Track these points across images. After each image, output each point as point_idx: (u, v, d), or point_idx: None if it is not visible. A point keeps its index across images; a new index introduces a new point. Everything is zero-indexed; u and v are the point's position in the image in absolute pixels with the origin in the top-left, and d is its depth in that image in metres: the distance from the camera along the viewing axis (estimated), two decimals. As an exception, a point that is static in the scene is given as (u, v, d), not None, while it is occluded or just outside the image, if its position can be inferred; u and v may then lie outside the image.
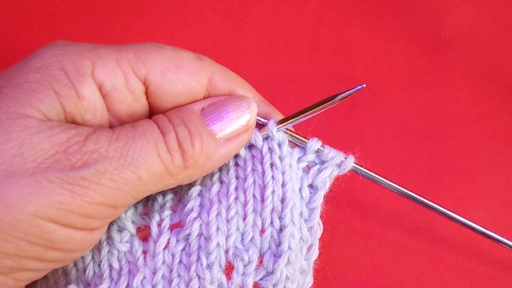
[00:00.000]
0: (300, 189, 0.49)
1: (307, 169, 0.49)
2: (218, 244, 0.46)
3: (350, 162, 0.49)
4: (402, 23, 0.72)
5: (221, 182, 0.49)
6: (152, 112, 0.47)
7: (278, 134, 0.48)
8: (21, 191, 0.38)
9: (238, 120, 0.46)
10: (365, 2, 0.72)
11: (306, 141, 0.49)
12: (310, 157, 0.49)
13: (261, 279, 0.47)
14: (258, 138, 0.48)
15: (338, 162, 0.49)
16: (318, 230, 0.49)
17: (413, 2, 0.73)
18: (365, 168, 0.51)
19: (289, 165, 0.48)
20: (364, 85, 0.47)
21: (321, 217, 0.49)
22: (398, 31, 0.71)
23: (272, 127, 0.48)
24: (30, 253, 0.39)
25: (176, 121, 0.44)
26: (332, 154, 0.49)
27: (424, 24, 0.72)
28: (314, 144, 0.49)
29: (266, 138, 0.48)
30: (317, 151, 0.49)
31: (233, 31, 0.71)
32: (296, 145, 0.49)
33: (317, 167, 0.49)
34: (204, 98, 0.48)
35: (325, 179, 0.49)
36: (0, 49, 0.70)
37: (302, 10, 0.73)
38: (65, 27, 0.71)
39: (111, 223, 0.47)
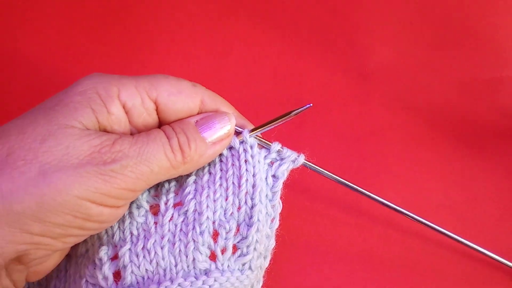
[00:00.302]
0: (266, 178, 0.52)
1: (271, 164, 0.53)
2: (207, 217, 0.49)
3: (302, 159, 0.53)
4: (338, 60, 0.75)
5: (210, 173, 0.51)
6: (161, 123, 0.50)
7: (250, 139, 0.52)
8: (68, 180, 0.40)
9: (222, 129, 0.49)
10: (311, 45, 0.75)
11: (270, 144, 0.53)
12: (273, 155, 0.53)
13: (238, 242, 0.50)
14: (236, 142, 0.52)
15: (293, 159, 0.53)
16: (279, 207, 0.52)
17: (346, 45, 0.76)
18: (312, 163, 0.54)
19: (258, 161, 0.52)
20: (311, 104, 0.51)
21: (280, 198, 0.52)
22: (335, 66, 0.74)
23: (246, 134, 0.52)
24: (74, 224, 0.42)
25: (178, 130, 0.47)
26: (289, 153, 0.53)
27: (354, 61, 0.75)
28: (276, 146, 0.53)
29: (241, 142, 0.52)
30: (278, 151, 0.53)
31: (218, 66, 0.74)
32: (263, 147, 0.53)
33: (278, 162, 0.53)
34: (198, 113, 0.50)
35: (284, 171, 0.53)
36: (51, 77, 0.72)
37: (267, 51, 0.76)
38: (98, 62, 0.73)
39: (132, 202, 0.50)
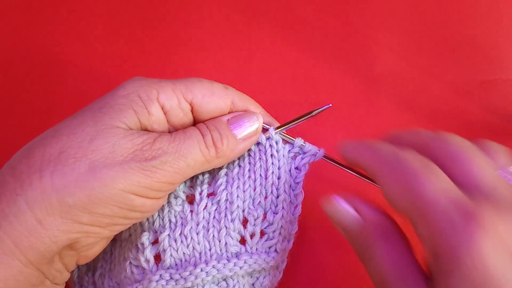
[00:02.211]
0: (289, 170, 0.49)
1: (294, 157, 0.50)
2: (238, 206, 0.47)
3: (321, 153, 0.50)
4: (349, 66, 0.73)
5: (240, 166, 0.49)
6: (196, 122, 0.47)
7: (275, 136, 0.49)
8: (114, 175, 0.38)
9: (251, 127, 0.47)
10: (325, 53, 0.73)
11: (294, 140, 0.50)
12: (296, 149, 0.50)
13: (265, 228, 0.48)
14: (262, 138, 0.49)
15: (314, 153, 0.50)
16: (301, 196, 0.50)
17: (356, 53, 0.73)
18: (330, 157, 0.51)
19: (283, 155, 0.49)
20: (331, 105, 0.49)
21: (302, 188, 0.50)
22: (346, 71, 0.72)
23: (272, 131, 0.49)
24: (119, 214, 0.40)
25: (212, 127, 0.45)
26: (310, 148, 0.50)
27: (363, 66, 0.73)
28: (299, 141, 0.50)
29: (268, 138, 0.49)
30: (301, 146, 0.50)
31: (242, 71, 0.72)
32: (287, 142, 0.50)
33: (300, 156, 0.50)
34: (229, 112, 0.48)
35: (306, 164, 0.50)
36: (95, 81, 0.71)
37: (286, 58, 0.74)
38: (137, 67, 0.72)
39: (170, 193, 0.47)
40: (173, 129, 0.46)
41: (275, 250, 0.48)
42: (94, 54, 0.73)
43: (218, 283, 0.46)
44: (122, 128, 0.41)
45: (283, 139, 0.50)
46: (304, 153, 0.50)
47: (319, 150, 0.50)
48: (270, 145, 0.49)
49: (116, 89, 0.44)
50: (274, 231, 0.48)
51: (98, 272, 0.50)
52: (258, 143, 0.49)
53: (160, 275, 0.45)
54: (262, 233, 0.48)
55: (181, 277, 0.45)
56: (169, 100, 0.44)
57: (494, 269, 0.30)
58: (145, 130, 0.44)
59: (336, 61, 0.73)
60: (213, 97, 0.46)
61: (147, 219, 0.47)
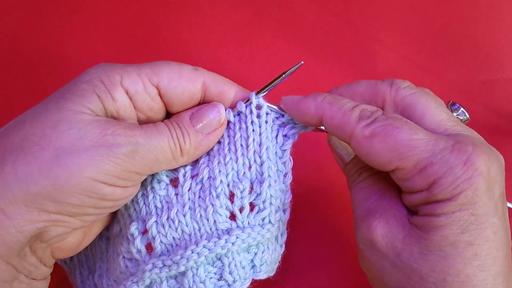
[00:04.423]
0: (276, 136, 0.47)
1: (284, 125, 0.47)
2: (221, 181, 0.45)
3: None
4: (351, 64, 0.72)
5: (219, 142, 0.47)
6: (166, 107, 0.45)
7: (255, 100, 0.46)
8: (81, 163, 0.37)
9: (214, 120, 0.45)
10: (327, 51, 0.72)
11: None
12: (286, 118, 0.47)
13: (254, 199, 0.45)
14: (242, 106, 0.46)
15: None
16: (290, 163, 0.47)
17: (358, 52, 0.73)
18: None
19: (265, 121, 0.46)
20: (302, 62, 0.47)
21: (291, 155, 0.47)
22: (348, 69, 0.72)
23: (253, 96, 0.46)
24: (89, 204, 0.39)
25: (175, 125, 0.43)
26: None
27: (364, 65, 0.72)
28: None
29: (248, 105, 0.46)
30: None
31: (244, 70, 0.72)
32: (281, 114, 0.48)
33: (291, 125, 0.47)
34: (201, 96, 0.46)
35: (295, 134, 0.47)
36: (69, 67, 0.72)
37: (287, 57, 0.74)
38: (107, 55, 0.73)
39: (153, 177, 0.46)
40: (142, 116, 0.44)
41: (270, 222, 0.45)
42: (96, 53, 0.73)
43: (213, 263, 0.43)
44: (87, 113, 0.40)
45: (273, 109, 0.47)
46: (295, 123, 0.47)
47: None
48: (250, 111, 0.46)
49: (79, 76, 0.43)
50: (264, 202, 0.45)
51: (97, 273, 0.49)
52: (239, 113, 0.47)
53: (153, 264, 0.42)
54: (252, 206, 0.45)
55: (173, 262, 0.42)
56: (133, 85, 0.42)
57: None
58: (111, 116, 0.42)
59: (338, 60, 0.71)
60: (181, 81, 0.44)
61: (135, 209, 0.46)
